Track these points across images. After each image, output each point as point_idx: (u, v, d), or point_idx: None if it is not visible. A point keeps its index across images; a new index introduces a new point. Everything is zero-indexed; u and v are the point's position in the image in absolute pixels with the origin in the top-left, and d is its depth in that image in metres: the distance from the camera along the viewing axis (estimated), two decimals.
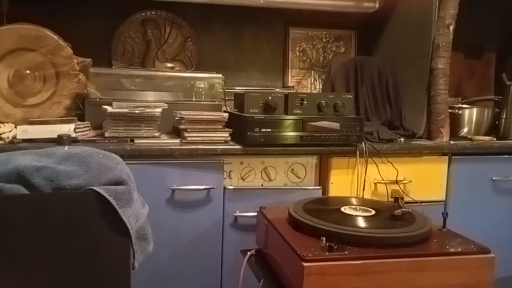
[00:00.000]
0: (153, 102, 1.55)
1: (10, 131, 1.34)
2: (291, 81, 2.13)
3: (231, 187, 1.45)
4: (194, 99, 1.66)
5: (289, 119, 1.44)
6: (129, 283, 1.01)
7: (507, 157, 1.65)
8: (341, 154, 1.50)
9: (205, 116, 1.45)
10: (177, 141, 1.44)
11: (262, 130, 1.41)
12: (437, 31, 1.66)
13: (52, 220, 0.95)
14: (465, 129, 1.78)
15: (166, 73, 1.69)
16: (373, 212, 1.16)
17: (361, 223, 1.09)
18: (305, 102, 1.48)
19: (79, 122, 1.45)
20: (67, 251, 0.96)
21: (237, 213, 1.45)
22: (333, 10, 2.03)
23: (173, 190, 1.39)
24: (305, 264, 0.93)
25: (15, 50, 1.42)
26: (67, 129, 1.37)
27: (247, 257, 1.22)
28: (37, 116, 1.44)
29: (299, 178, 1.52)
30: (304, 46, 2.15)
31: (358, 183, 1.52)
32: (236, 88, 1.90)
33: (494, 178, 1.64)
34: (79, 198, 0.97)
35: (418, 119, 1.73)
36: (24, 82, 1.43)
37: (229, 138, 1.47)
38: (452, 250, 1.03)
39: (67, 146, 1.14)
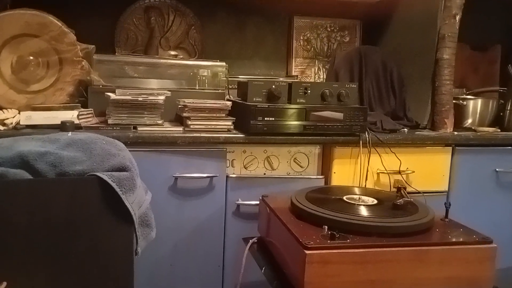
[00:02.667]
0: (156, 89, 1.54)
1: (13, 117, 1.34)
2: (295, 71, 2.12)
3: (234, 176, 1.45)
4: (197, 87, 1.65)
5: (293, 108, 1.44)
6: (132, 269, 1.02)
7: (510, 148, 1.65)
8: (344, 143, 1.50)
9: (208, 104, 1.45)
10: (180, 129, 1.44)
11: (265, 119, 1.41)
12: (443, 21, 1.64)
13: (55, 205, 0.95)
14: (469, 120, 1.78)
15: (169, 61, 1.68)
16: (376, 201, 1.17)
17: (363, 212, 1.09)
18: (309, 92, 1.47)
19: (82, 109, 1.44)
20: (70, 237, 0.97)
21: (240, 202, 1.45)
22: None
23: (176, 178, 1.40)
24: (307, 252, 0.93)
25: (19, 36, 1.41)
26: (70, 115, 1.37)
27: (249, 245, 1.22)
28: (40, 102, 1.44)
29: (301, 167, 1.52)
30: (308, 35, 2.14)
31: (361, 173, 1.52)
32: (240, 77, 1.89)
33: (497, 170, 1.64)
34: (82, 183, 0.97)
35: (422, 110, 1.72)
36: (27, 68, 1.43)
37: (232, 127, 1.47)
38: (454, 240, 1.03)
39: (70, 132, 1.14)
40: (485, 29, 2.10)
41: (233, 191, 1.45)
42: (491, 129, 1.71)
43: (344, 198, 1.18)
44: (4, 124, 1.32)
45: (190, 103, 1.44)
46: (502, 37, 2.17)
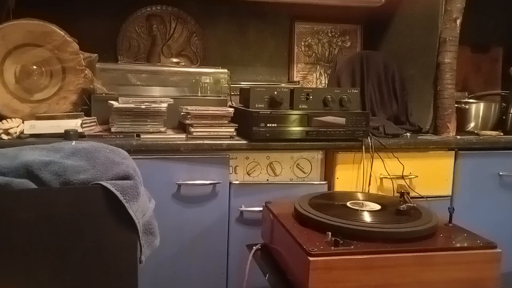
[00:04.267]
0: (159, 97, 1.55)
1: (17, 126, 1.35)
2: (296, 76, 2.13)
3: (237, 182, 1.46)
4: (199, 94, 1.66)
5: (295, 114, 1.44)
6: (136, 277, 1.02)
7: None
8: (347, 149, 1.50)
9: (210, 111, 1.45)
10: (183, 136, 1.44)
11: (268, 125, 1.41)
12: (444, 25, 1.65)
13: (59, 215, 0.96)
14: (472, 124, 1.77)
15: (171, 68, 1.69)
16: (379, 207, 1.16)
17: (367, 217, 1.09)
18: (311, 97, 1.48)
19: (86, 117, 1.45)
20: (74, 246, 0.97)
21: (243, 208, 1.45)
22: (339, 4, 2.02)
23: (179, 185, 1.40)
24: (311, 258, 0.93)
25: (22, 46, 1.42)
26: (74, 124, 1.37)
27: (252, 251, 1.22)
28: (44, 111, 1.45)
29: (304, 173, 1.52)
30: (309, 40, 2.14)
31: (364, 178, 1.52)
32: (242, 83, 1.90)
33: (500, 173, 1.63)
34: (86, 192, 0.97)
35: (424, 114, 1.72)
36: (31, 77, 1.44)
37: (234, 133, 1.47)
38: (458, 245, 1.03)
39: (74, 141, 1.14)
40: (486, 30, 2.10)
41: (236, 197, 1.45)
42: (494, 133, 1.71)
43: (348, 203, 1.18)
44: (8, 134, 1.32)
45: (192, 110, 1.44)
46: (504, 39, 2.17)
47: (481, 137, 1.66)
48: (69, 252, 0.97)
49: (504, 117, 1.80)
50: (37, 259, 0.95)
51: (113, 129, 1.41)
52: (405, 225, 1.05)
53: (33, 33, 1.41)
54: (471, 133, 1.73)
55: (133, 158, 1.12)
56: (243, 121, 1.46)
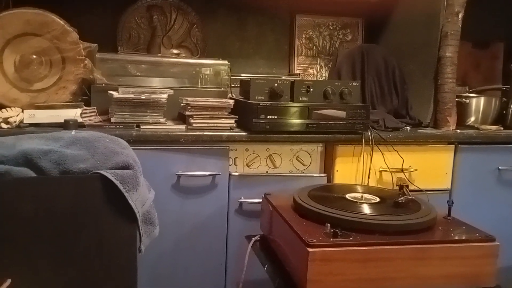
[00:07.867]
0: (159, 88, 1.55)
1: (17, 116, 1.35)
2: (297, 69, 2.12)
3: (236, 174, 1.46)
4: (199, 86, 1.66)
5: (295, 107, 1.44)
6: (135, 267, 1.02)
7: None
8: (346, 142, 1.50)
9: (210, 103, 1.45)
10: (183, 127, 1.44)
11: (268, 117, 1.41)
12: (445, 19, 1.64)
13: (59, 203, 0.96)
14: (472, 118, 1.77)
15: (171, 59, 1.69)
16: (378, 199, 1.17)
17: (366, 210, 1.09)
18: (311, 90, 1.47)
19: (85, 107, 1.45)
20: (73, 235, 0.97)
21: (242, 200, 1.45)
22: None
23: (179, 176, 1.40)
24: (310, 249, 0.93)
25: (21, 35, 1.41)
26: (73, 114, 1.37)
27: (251, 242, 1.22)
28: (43, 101, 1.44)
29: (304, 165, 1.52)
30: (310, 33, 2.13)
31: (364, 171, 1.52)
32: (242, 75, 1.89)
33: (500, 168, 1.64)
34: (86, 181, 0.97)
35: (424, 108, 1.72)
36: (30, 67, 1.43)
37: (234, 125, 1.47)
38: (456, 238, 1.03)
39: (73, 131, 1.14)
40: (487, 26, 2.09)
41: (235, 189, 1.45)
42: (494, 127, 1.71)
43: (347, 196, 1.18)
44: (7, 123, 1.32)
45: (192, 101, 1.44)
46: (505, 34, 2.17)
47: (481, 131, 1.66)
48: (69, 240, 0.97)
49: (504, 112, 1.79)
50: (36, 247, 0.95)
51: (112, 120, 1.41)
52: (404, 217, 1.05)
53: (32, 22, 1.41)
54: (471, 127, 1.73)
55: (132, 149, 1.12)
56: (243, 113, 1.46)
